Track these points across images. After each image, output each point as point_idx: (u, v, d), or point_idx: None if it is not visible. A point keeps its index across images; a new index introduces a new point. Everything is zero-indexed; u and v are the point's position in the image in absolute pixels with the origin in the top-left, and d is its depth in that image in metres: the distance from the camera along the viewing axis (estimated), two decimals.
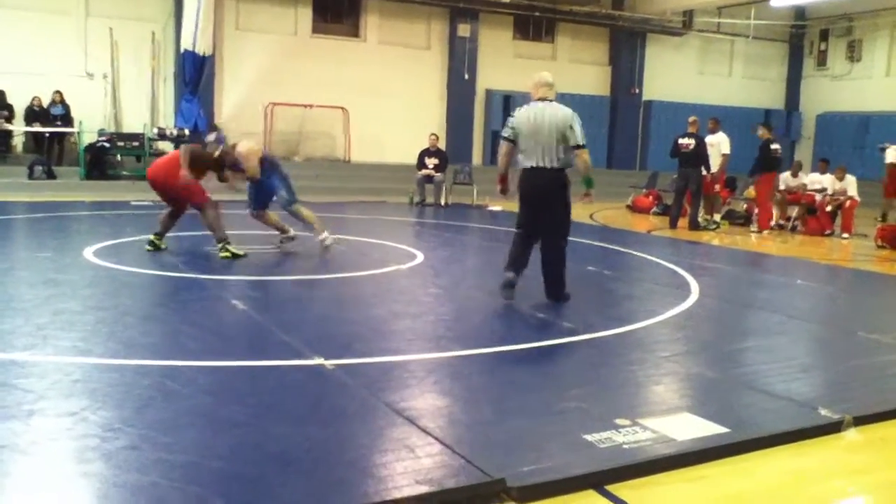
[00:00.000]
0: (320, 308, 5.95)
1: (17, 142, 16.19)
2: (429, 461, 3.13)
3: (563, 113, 5.98)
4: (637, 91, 22.09)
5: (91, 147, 15.64)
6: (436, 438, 3.35)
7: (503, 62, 20.74)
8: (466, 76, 20.10)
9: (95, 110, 16.71)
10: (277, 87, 18.03)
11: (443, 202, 15.23)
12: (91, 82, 16.75)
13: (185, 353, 4.46)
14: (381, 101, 19.12)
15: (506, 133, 6.12)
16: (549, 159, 5.96)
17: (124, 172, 16.12)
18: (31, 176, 14.92)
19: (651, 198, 16.01)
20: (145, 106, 17.39)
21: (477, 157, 20.61)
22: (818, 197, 13.40)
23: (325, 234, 8.44)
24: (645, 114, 22.38)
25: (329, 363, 4.35)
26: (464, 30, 20.03)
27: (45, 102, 15.77)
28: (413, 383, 4.16)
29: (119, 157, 16.23)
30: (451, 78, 20.20)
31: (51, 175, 15.18)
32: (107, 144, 15.86)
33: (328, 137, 19.08)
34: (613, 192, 16.90)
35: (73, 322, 5.14)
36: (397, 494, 2.86)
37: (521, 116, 6.04)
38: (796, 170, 14.30)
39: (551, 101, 6.09)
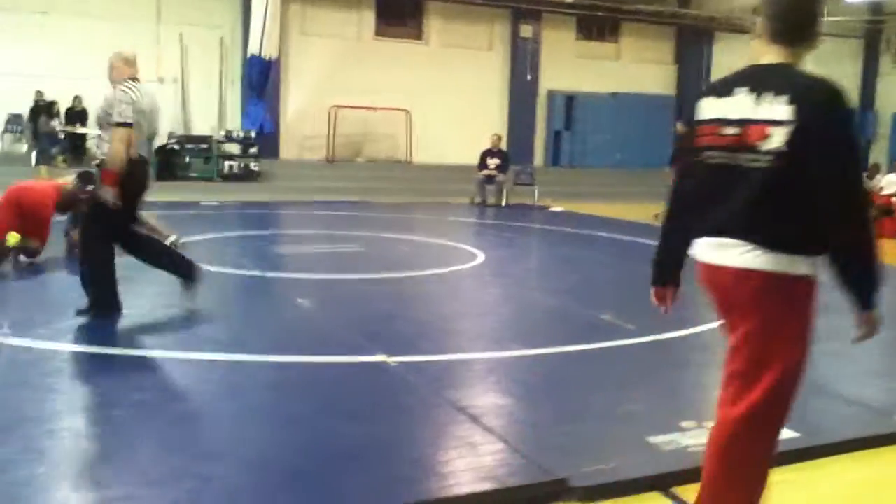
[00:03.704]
0: (383, 306, 6.00)
1: (91, 144, 16.79)
2: (491, 459, 3.13)
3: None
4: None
5: (161, 149, 16.13)
6: (497, 437, 3.34)
7: (566, 62, 20.60)
8: (528, 77, 20.03)
9: (165, 113, 17.18)
10: (341, 90, 18.26)
11: (503, 203, 15.20)
12: (162, 87, 17.23)
13: (251, 349, 4.54)
14: (444, 103, 19.18)
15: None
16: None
17: (193, 174, 16.57)
18: None
19: None
20: (213, 109, 17.83)
21: (539, 157, 20.52)
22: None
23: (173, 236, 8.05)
24: None
25: (391, 360, 4.38)
26: (526, 31, 19.97)
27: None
28: (474, 382, 4.17)
29: (188, 159, 16.69)
30: (514, 79, 20.15)
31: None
32: (176, 147, 16.35)
33: (391, 139, 19.25)
34: None
35: (144, 317, 5.30)
36: (459, 491, 2.87)
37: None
38: (873, 172, 13.87)
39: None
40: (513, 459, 3.13)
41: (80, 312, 5.05)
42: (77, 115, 16.03)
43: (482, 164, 15.36)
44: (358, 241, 9.49)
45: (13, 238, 6.74)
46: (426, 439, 3.36)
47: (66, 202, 7.31)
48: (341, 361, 4.38)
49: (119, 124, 4.93)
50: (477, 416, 3.57)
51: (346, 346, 4.69)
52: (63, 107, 15.92)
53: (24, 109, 15.88)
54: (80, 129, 15.97)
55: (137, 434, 3.27)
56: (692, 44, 21.53)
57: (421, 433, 3.42)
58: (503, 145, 16.40)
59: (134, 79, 5.17)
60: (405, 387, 4.02)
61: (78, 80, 15.95)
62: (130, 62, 5.24)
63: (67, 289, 6.20)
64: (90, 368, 4.14)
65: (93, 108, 16.13)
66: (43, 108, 15.65)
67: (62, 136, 15.56)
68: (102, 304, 5.09)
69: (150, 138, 5.38)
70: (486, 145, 15.63)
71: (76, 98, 16.04)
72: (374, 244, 9.44)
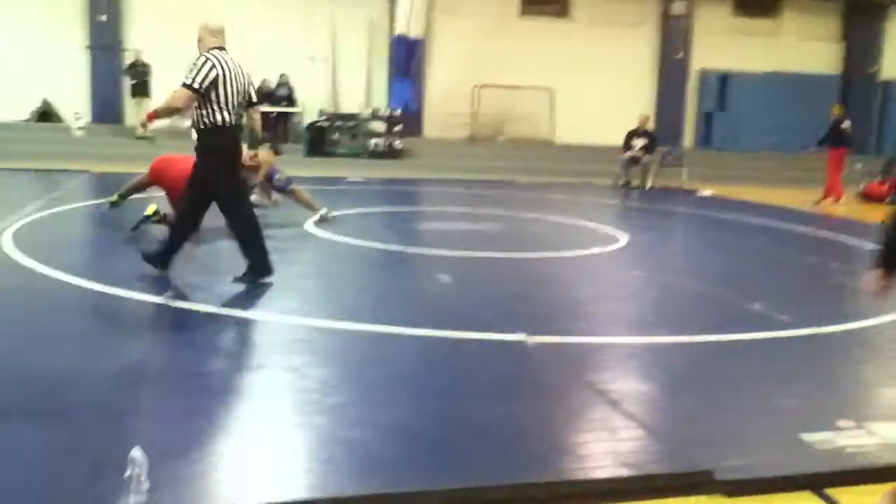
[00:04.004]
0: (522, 285, 5.99)
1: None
2: (630, 445, 3.06)
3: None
4: (874, 70, 20.08)
5: (312, 126, 16.80)
6: (638, 423, 3.26)
7: (720, 40, 19.67)
8: (679, 55, 19.28)
9: (316, 92, 17.86)
10: (484, 69, 18.27)
11: (648, 185, 14.77)
12: (313, 66, 17.90)
13: (396, 321, 4.65)
14: (589, 81, 18.81)
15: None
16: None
17: (340, 150, 17.14)
18: None
19: (887, 186, 14.54)
20: (361, 88, 18.31)
21: (688, 138, 19.77)
22: None
23: (323, 209, 8.44)
24: (883, 95, 20.33)
25: (530, 339, 4.36)
26: (678, 7, 19.21)
27: (273, 85, 17.08)
28: (615, 366, 4.09)
29: (336, 136, 17.28)
30: (663, 57, 19.47)
31: (276, 152, 16.45)
32: (326, 124, 16.96)
33: (533, 118, 19.10)
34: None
35: (296, 286, 5.55)
36: (596, 475, 2.83)
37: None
38: None
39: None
40: (653, 447, 3.05)
41: (236, 279, 5.37)
42: (264, 95, 16.95)
43: (627, 145, 14.98)
44: (498, 220, 9.51)
45: (151, 209, 7.24)
46: (563, 420, 3.33)
47: None
48: (481, 338, 4.41)
49: (183, 85, 5.13)
50: (616, 401, 3.50)
51: (486, 324, 4.71)
52: None
53: None
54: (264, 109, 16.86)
55: (286, 396, 3.43)
56: (862, 20, 19.95)
57: (558, 414, 3.39)
58: (650, 125, 15.92)
59: (220, 48, 5.30)
60: (543, 367, 4.00)
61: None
62: (215, 33, 5.35)
63: (228, 256, 6.60)
64: (244, 332, 4.38)
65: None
66: None
67: None
68: (256, 269, 5.37)
69: (237, 107, 5.30)
70: (632, 125, 15.21)
71: (264, 81, 16.97)
72: (514, 223, 9.43)
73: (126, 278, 5.40)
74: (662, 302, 5.71)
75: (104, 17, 16.61)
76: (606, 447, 3.04)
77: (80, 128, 15.75)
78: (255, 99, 5.51)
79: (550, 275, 6.51)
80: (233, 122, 5.27)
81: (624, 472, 2.83)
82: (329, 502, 2.57)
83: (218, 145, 5.27)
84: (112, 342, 4.11)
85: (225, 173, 5.32)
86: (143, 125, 5.35)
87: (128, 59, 16.55)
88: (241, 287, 5.34)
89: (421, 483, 2.67)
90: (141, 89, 16.16)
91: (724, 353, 4.45)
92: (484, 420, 3.24)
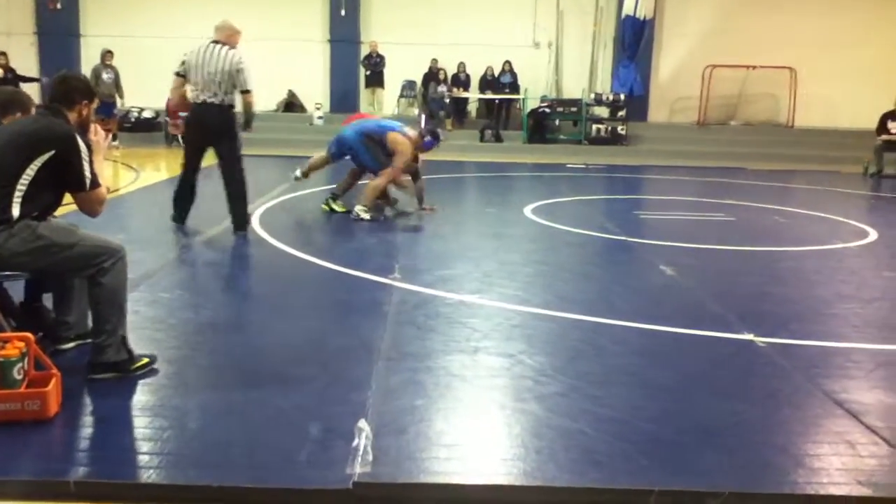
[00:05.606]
0: (754, 281, 5.62)
1: (472, 108, 18.12)
2: (873, 462, 2.79)
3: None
4: None
5: (533, 113, 16.86)
6: (883, 439, 2.96)
7: None
8: None
9: (539, 78, 17.89)
10: (718, 49, 17.29)
11: None
12: (537, 51, 17.93)
13: (615, 313, 4.56)
14: (836, 57, 17.15)
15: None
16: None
17: (561, 137, 17.06)
18: (481, 139, 16.64)
19: None
20: (584, 72, 18.07)
21: None
22: None
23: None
24: None
25: (761, 340, 4.10)
26: None
27: (497, 72, 17.32)
28: (858, 374, 3.72)
29: (557, 122, 17.20)
30: None
31: (498, 139, 16.74)
32: (547, 110, 16.94)
33: (771, 100, 17.82)
34: None
35: (514, 273, 5.61)
36: (833, 491, 2.61)
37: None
38: None
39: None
40: None
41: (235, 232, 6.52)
42: (461, 80, 17.35)
43: (882, 128, 13.54)
44: (728, 210, 9.01)
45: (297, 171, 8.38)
46: (796, 429, 3.09)
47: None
48: (705, 335, 4.21)
49: None
50: (858, 413, 3.20)
51: (711, 321, 4.48)
52: (449, 73, 17.29)
53: (417, 76, 17.58)
54: (463, 94, 17.31)
55: (501, 382, 3.48)
56: None
57: (790, 421, 3.15)
58: None
59: (214, 42, 6.39)
60: (774, 370, 3.73)
61: (462, 46, 17.24)
62: (218, 29, 6.46)
63: (452, 240, 6.83)
64: (463, 315, 4.49)
65: (475, 74, 17.45)
66: (433, 75, 17.19)
67: (447, 100, 16.97)
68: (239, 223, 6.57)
69: (210, 87, 6.33)
70: (889, 106, 13.71)
71: (461, 65, 17.34)
72: (745, 214, 8.88)
73: (353, 258, 5.85)
74: None
75: (343, 13, 17.70)
76: (845, 462, 2.79)
77: (319, 117, 16.96)
78: (242, 86, 6.42)
79: (786, 271, 6.05)
80: (206, 101, 6.34)
81: (865, 492, 2.58)
82: (539, 490, 2.58)
83: (190, 118, 6.60)
84: (343, 317, 4.40)
85: (205, 140, 6.52)
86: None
87: (363, 52, 17.54)
88: (459, 271, 5.54)
89: (637, 481, 2.60)
90: (375, 80, 17.08)
91: None
92: (707, 421, 3.09)
